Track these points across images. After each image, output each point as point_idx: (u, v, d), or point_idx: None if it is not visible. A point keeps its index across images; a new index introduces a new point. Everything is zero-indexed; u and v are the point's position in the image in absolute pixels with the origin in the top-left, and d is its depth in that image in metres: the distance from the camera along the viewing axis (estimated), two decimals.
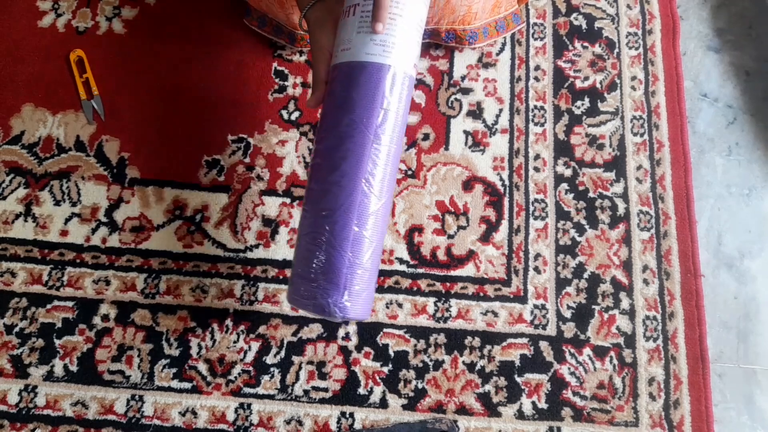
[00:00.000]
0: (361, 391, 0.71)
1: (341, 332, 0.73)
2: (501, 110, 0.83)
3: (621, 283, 0.76)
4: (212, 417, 0.69)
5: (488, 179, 0.80)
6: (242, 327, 0.73)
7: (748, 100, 0.87)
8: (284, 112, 0.83)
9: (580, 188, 0.80)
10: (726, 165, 0.83)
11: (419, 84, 0.84)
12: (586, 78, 0.85)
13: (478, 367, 0.72)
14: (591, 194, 0.80)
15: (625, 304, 0.75)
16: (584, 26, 0.88)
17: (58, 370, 0.71)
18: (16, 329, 0.72)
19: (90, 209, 0.78)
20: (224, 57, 0.85)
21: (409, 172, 0.80)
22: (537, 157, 0.81)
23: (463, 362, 0.72)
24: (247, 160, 0.80)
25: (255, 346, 0.72)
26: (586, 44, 0.87)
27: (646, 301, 0.75)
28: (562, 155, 0.81)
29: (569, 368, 0.72)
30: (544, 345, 0.73)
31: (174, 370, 0.71)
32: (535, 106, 0.83)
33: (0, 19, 0.86)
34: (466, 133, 0.82)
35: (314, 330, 0.73)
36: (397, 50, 0.56)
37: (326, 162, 0.57)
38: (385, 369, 0.72)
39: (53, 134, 0.81)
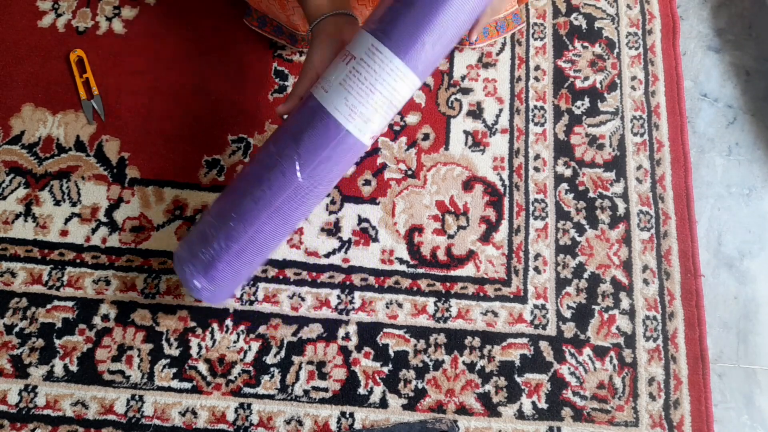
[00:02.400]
0: (361, 391, 0.71)
1: (341, 332, 0.73)
2: (501, 110, 0.83)
3: (621, 283, 0.76)
4: (212, 417, 0.69)
5: (488, 179, 0.80)
6: (242, 327, 0.73)
7: (749, 100, 0.87)
8: None
9: (580, 188, 0.80)
10: (726, 165, 0.83)
11: None
12: (586, 78, 0.85)
13: (478, 367, 0.72)
14: (591, 194, 0.80)
15: (625, 304, 0.75)
16: (584, 26, 0.88)
17: (58, 370, 0.71)
18: (16, 329, 0.72)
19: (90, 209, 0.78)
20: (224, 57, 0.85)
21: (409, 172, 0.80)
22: (537, 157, 0.81)
23: (463, 362, 0.72)
24: (247, 160, 0.80)
25: (255, 346, 0.72)
26: (586, 44, 0.87)
27: (646, 301, 0.75)
28: (562, 155, 0.81)
29: (569, 368, 0.72)
30: (544, 345, 0.73)
31: (174, 370, 0.71)
32: (535, 106, 0.84)
33: (0, 19, 0.86)
34: (466, 133, 0.82)
35: (314, 330, 0.73)
36: (361, 120, 0.59)
37: (251, 163, 0.63)
38: (385, 369, 0.72)
39: (53, 134, 0.81)
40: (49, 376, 0.71)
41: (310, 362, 0.72)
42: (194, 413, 0.70)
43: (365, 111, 0.58)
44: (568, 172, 0.80)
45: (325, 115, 0.59)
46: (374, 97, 0.58)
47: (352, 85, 0.58)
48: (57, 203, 0.78)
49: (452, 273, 0.76)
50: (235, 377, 0.71)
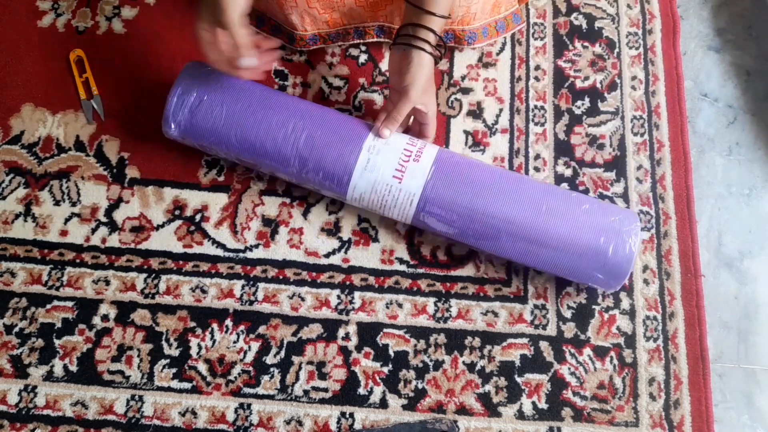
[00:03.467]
0: (361, 391, 0.71)
1: (341, 332, 0.73)
2: (501, 110, 0.83)
3: None
4: (212, 417, 0.69)
5: None
6: (242, 327, 0.73)
7: (749, 99, 0.87)
8: None
9: (581, 188, 0.80)
10: (726, 165, 0.83)
11: None
12: (587, 78, 0.85)
13: (478, 367, 0.72)
14: (591, 194, 0.79)
15: (625, 304, 0.75)
16: (584, 26, 0.88)
17: (58, 370, 0.71)
18: (16, 329, 0.72)
19: (90, 209, 0.78)
20: None
21: None
22: (537, 157, 0.81)
23: (463, 362, 0.72)
24: None
25: (255, 346, 0.72)
26: (586, 44, 0.87)
27: (646, 301, 0.75)
28: (563, 155, 0.81)
29: (569, 368, 0.72)
30: (544, 345, 0.73)
31: (174, 370, 0.71)
32: (535, 106, 0.83)
33: (0, 19, 0.86)
34: (466, 133, 0.82)
35: (314, 330, 0.73)
36: (357, 200, 0.72)
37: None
38: (385, 369, 0.72)
39: (53, 134, 0.81)
40: (49, 376, 0.71)
41: (310, 362, 0.72)
42: (194, 413, 0.70)
43: (365, 204, 0.72)
44: (568, 172, 0.80)
45: (345, 183, 0.70)
46: (376, 209, 0.72)
47: (377, 199, 0.70)
48: (57, 203, 0.78)
49: (452, 273, 0.76)
50: (235, 377, 0.71)
